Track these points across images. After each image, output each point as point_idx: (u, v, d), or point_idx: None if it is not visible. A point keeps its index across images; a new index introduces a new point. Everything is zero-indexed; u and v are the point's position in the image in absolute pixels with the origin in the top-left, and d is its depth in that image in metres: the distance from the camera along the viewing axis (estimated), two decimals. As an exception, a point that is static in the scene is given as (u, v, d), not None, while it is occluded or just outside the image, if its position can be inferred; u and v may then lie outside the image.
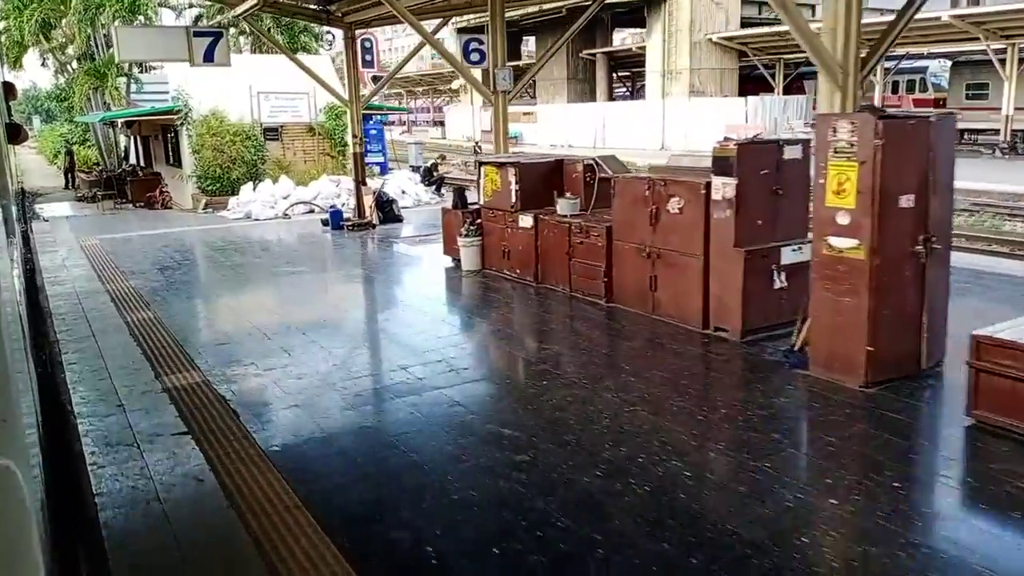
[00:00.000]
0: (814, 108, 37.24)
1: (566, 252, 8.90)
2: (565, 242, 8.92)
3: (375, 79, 23.54)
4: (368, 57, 24.15)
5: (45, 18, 25.50)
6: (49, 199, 26.47)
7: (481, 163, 10.36)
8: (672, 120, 36.39)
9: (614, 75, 45.48)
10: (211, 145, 17.81)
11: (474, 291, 9.65)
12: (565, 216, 9.07)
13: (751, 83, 38.06)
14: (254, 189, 17.63)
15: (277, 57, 21.00)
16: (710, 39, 35.53)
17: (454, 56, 13.43)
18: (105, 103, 25.46)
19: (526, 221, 9.50)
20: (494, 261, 10.22)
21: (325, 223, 14.94)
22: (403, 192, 18.01)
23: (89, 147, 33.42)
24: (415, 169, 21.57)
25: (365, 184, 15.19)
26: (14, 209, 5.68)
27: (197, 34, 13.13)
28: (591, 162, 9.57)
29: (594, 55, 42.78)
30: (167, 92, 25.85)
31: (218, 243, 13.66)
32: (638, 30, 47.41)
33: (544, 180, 9.78)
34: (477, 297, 9.41)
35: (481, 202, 10.36)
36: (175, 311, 8.82)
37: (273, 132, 19.46)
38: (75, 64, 31.11)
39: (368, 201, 14.97)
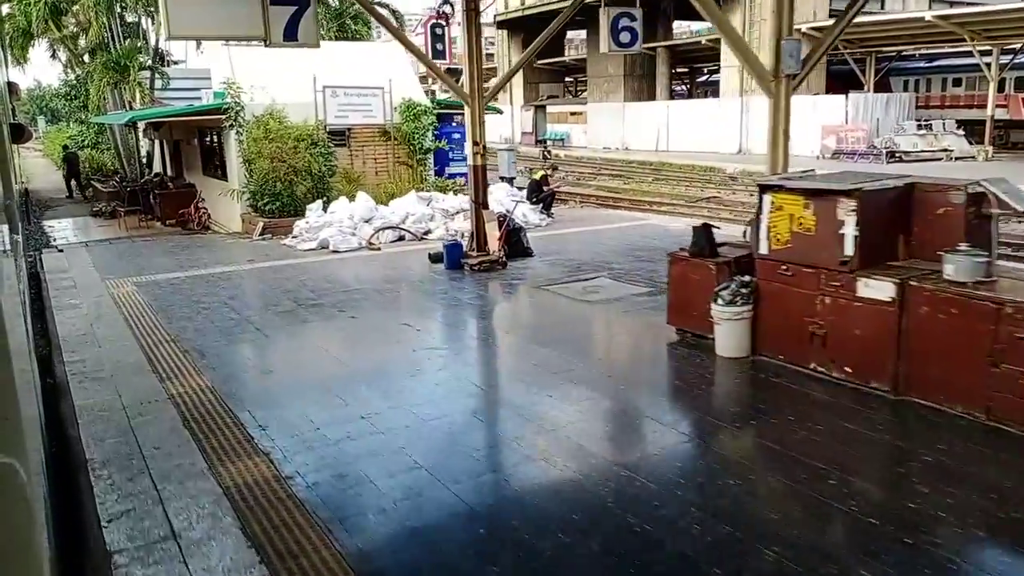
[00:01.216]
0: (919, 106, 33.51)
1: (985, 352, 5.09)
2: (981, 332, 5.10)
3: (451, 72, 19.73)
4: (439, 46, 20.41)
5: (55, 2, 21.72)
6: (58, 212, 22.73)
7: (766, 188, 6.53)
8: (755, 121, 32.54)
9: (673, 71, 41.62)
10: (269, 153, 14.00)
11: (769, 403, 5.82)
12: (966, 285, 5.27)
13: (834, 80, 34.20)
14: (325, 210, 13.85)
15: (346, 44, 17.19)
16: (799, 29, 31.59)
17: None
18: (126, 101, 21.69)
19: (877, 289, 5.68)
20: (783, 346, 6.40)
21: (435, 259, 11.14)
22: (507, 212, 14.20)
23: (103, 151, 29.66)
24: (504, 180, 17.75)
25: (486, 206, 11.38)
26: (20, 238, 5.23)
27: (275, 1, 9.31)
28: (977, 189, 5.75)
29: (654, 49, 38.92)
30: (198, 89, 22.21)
31: (304, 292, 9.84)
32: (694, 23, 43.60)
33: (887, 218, 5.98)
34: (780, 422, 5.51)
35: (762, 251, 6.54)
36: (310, 463, 4.97)
37: (339, 136, 15.66)
38: (88, 57, 27.40)
39: (492, 229, 11.16)
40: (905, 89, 35.46)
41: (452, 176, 16.99)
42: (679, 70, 42.72)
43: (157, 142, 21.87)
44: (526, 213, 14.50)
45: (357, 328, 8.25)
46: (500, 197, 14.92)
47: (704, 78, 44.41)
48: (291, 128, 14.38)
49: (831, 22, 31.60)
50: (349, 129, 15.87)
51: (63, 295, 9.86)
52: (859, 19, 31.92)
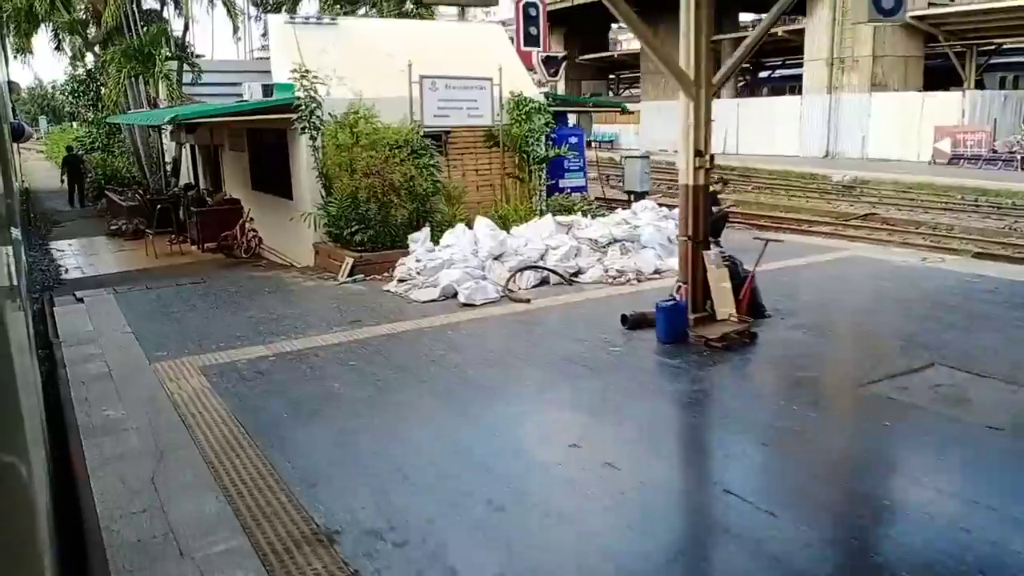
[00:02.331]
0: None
1: None
2: None
3: (547, 62, 16.19)
4: (533, 30, 16.84)
5: (63, -22, 18.15)
6: (67, 229, 19.11)
7: None
8: (846, 120, 28.98)
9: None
10: (361, 165, 10.41)
11: None
12: None
13: (930, 75, 30.62)
14: (435, 241, 10.28)
15: (439, 23, 13.57)
16: (898, 18, 27.98)
17: None
18: (150, 98, 18.09)
19: None
20: None
21: (634, 323, 7.57)
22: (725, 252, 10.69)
23: (116, 155, 26.07)
24: (635, 196, 14.11)
25: (707, 246, 7.78)
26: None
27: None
28: None
29: (719, 42, 35.29)
30: (235, 84, 18.71)
31: (479, 397, 6.26)
32: (758, 15, 39.99)
33: None
34: None
35: None
36: None
37: (434, 142, 12.07)
38: (100, 48, 23.81)
39: (721, 281, 7.57)
40: (1001, 86, 31.91)
41: (565, 191, 13.39)
42: (744, 65, 39.07)
43: (186, 147, 18.27)
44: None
45: (638, 501, 4.64)
46: (649, 220, 11.34)
47: (766, 74, 40.79)
48: (387, 132, 10.78)
49: (941, 10, 28.18)
50: (447, 133, 12.28)
51: (93, 397, 6.25)
52: (961, 7, 28.45)
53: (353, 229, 10.53)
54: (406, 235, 10.63)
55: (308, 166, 11.33)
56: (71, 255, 15.29)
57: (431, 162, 11.10)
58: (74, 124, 57.58)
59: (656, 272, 10.03)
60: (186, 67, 18.27)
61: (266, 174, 13.41)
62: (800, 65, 39.06)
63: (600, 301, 8.95)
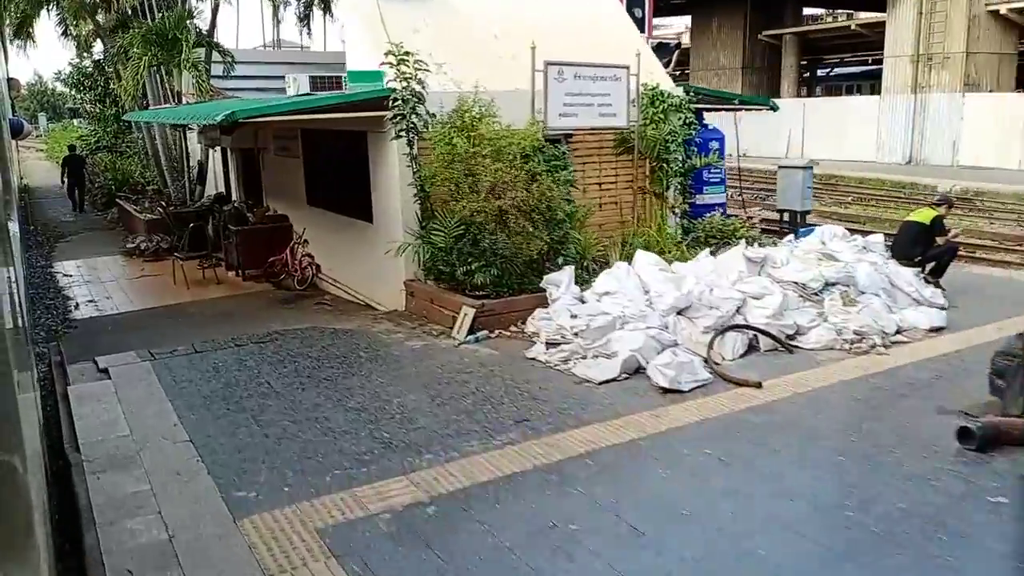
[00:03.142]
0: None
1: None
2: None
3: (660, 49, 13.46)
4: (639, 12, 14.06)
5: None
6: (73, 245, 16.35)
7: None
8: (933, 123, 26.23)
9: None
10: (488, 180, 7.63)
11: None
12: None
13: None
14: (582, 284, 7.54)
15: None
16: (994, 11, 25.33)
17: None
18: (172, 91, 15.31)
19: None
20: None
21: (986, 441, 4.83)
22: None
23: (127, 157, 23.30)
24: (789, 217, 11.28)
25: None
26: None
27: None
28: None
29: (779, 37, 32.62)
30: (276, 78, 16.05)
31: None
32: (819, 10, 37.25)
33: None
34: None
35: None
36: None
37: (554, 147, 9.29)
38: (99, 45, 21.05)
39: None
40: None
41: (714, 210, 10.63)
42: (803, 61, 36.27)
43: (216, 151, 15.49)
44: (900, 282, 8.13)
45: None
46: (849, 253, 8.59)
47: (825, 71, 38.05)
48: (517, 136, 8.01)
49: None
50: (567, 137, 9.53)
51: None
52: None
53: (471, 267, 7.75)
54: (533, 275, 7.88)
55: (400, 180, 8.56)
56: (81, 282, 12.52)
57: (569, 176, 8.34)
58: (75, 121, 54.81)
59: (899, 332, 7.28)
60: (216, 56, 15.51)
61: (331, 187, 10.63)
62: (863, 63, 36.35)
63: (858, 384, 6.19)
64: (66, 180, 22.60)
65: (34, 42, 19.42)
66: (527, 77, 8.90)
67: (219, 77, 15.90)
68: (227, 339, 7.61)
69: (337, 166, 10.32)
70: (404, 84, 8.08)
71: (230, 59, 15.38)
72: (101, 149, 27.00)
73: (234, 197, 14.63)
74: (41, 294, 11.58)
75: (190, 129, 15.72)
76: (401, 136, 8.20)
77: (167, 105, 14.91)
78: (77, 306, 10.86)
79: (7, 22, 19.67)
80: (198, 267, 12.09)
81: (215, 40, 15.80)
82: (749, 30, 33.10)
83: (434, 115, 8.38)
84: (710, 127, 11.02)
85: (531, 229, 7.62)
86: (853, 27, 29.87)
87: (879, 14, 28.38)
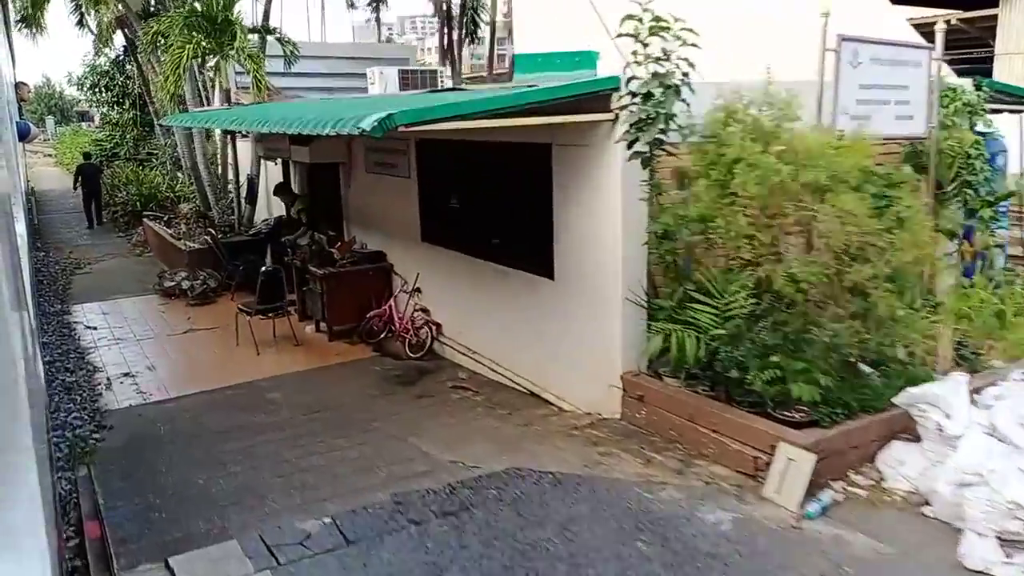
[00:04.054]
0: None
1: None
2: None
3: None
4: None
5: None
6: (93, 275, 13.33)
7: None
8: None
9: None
10: (830, 225, 4.51)
11: None
12: None
13: None
14: (974, 400, 4.45)
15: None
16: None
17: None
18: (221, 87, 12.24)
19: None
20: None
21: None
22: None
23: (149, 167, 20.27)
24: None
25: None
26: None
27: None
28: None
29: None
30: (343, 75, 13.39)
31: None
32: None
33: None
34: None
35: None
36: None
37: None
38: (120, 38, 18.08)
39: None
40: None
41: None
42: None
43: (275, 163, 12.42)
44: None
45: None
46: None
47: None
48: (850, 153, 4.89)
49: None
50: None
51: None
52: None
53: (778, 370, 4.64)
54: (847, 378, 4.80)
55: (623, 219, 5.47)
56: (110, 337, 9.46)
57: (910, 213, 5.22)
58: (83, 125, 51.89)
59: None
60: (270, 48, 12.48)
61: (470, 221, 7.54)
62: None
63: None
64: (80, 190, 19.69)
65: (45, 30, 16.45)
66: (797, 60, 5.80)
67: (277, 75, 12.89)
68: (385, 502, 4.50)
69: (485, 192, 7.25)
70: (656, 69, 4.98)
71: (291, 49, 12.33)
72: (117, 157, 24.04)
73: (327, 234, 11.53)
74: (57, 359, 8.52)
75: (238, 136, 12.67)
76: (641, 153, 5.09)
77: (220, 106, 11.85)
78: (109, 384, 7.78)
79: (15, 11, 16.73)
80: (270, 320, 8.99)
81: (273, 26, 12.72)
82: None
83: (683, 126, 5.27)
84: (995, 136, 7.91)
85: (899, 310, 4.51)
86: (955, 21, 26.69)
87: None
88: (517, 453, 5.19)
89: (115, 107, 24.50)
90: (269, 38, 12.55)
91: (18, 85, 16.16)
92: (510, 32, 19.68)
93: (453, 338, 8.00)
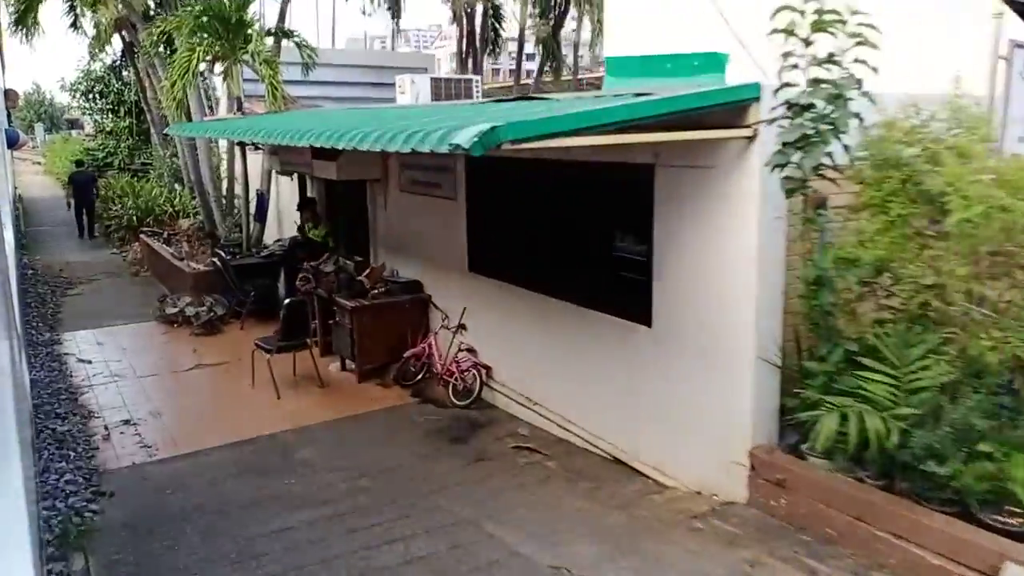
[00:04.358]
0: None
1: None
2: None
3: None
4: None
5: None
6: (85, 296, 12.21)
7: None
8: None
9: None
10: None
11: None
12: None
13: None
14: None
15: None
16: None
17: None
18: (231, 97, 11.17)
19: None
20: None
21: None
22: None
23: (142, 177, 19.10)
24: None
25: None
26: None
27: None
28: None
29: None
30: (362, 84, 12.55)
31: None
32: None
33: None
34: None
35: None
36: None
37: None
38: (117, 43, 17.04)
39: None
40: None
41: None
42: None
43: (282, 179, 11.34)
44: None
45: None
46: None
47: None
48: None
49: None
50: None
51: None
52: None
53: (984, 464, 3.59)
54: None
55: (758, 260, 4.43)
56: (106, 373, 8.31)
57: None
58: (73, 132, 50.56)
59: None
60: (288, 50, 11.44)
61: (534, 249, 6.48)
62: None
63: None
64: (71, 201, 18.59)
65: (39, 30, 15.36)
66: (946, 68, 4.80)
67: (289, 83, 11.83)
68: None
69: (558, 218, 6.20)
70: (819, 74, 3.96)
71: (308, 54, 11.29)
72: (111, 167, 22.88)
73: (353, 258, 10.43)
74: (46, 401, 7.37)
75: (250, 148, 11.58)
76: (795, 179, 4.05)
77: (231, 115, 10.77)
78: (107, 434, 6.65)
79: (7, 14, 15.65)
80: (293, 361, 7.87)
81: (290, 29, 11.67)
82: None
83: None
84: None
85: None
86: None
87: None
88: (635, 556, 4.11)
89: (110, 115, 23.37)
90: (285, 43, 11.51)
91: (7, 93, 15.27)
92: (539, 42, 18.77)
93: (508, 385, 6.93)
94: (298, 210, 9.44)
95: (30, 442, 5.10)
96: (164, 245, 13.25)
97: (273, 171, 11.41)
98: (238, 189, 13.07)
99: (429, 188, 7.87)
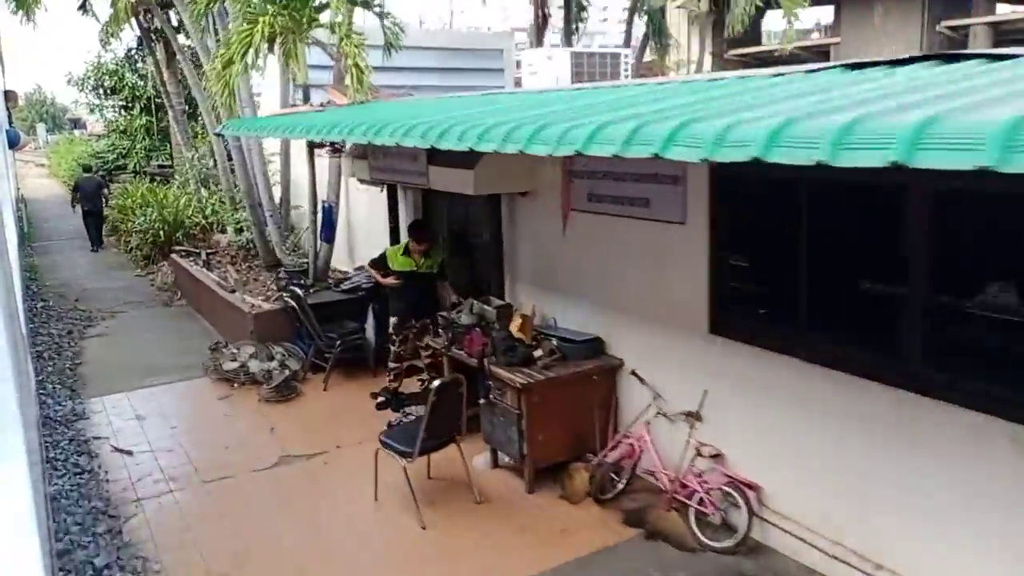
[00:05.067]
0: None
1: None
2: None
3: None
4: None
5: None
6: (110, 334, 9.83)
7: None
8: None
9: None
10: None
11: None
12: None
13: None
14: None
15: None
16: None
17: None
18: (295, 84, 8.67)
19: None
20: None
21: None
22: None
23: (160, 183, 16.61)
24: None
25: None
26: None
27: None
28: None
29: (963, 29, 26.25)
30: (462, 71, 10.14)
31: None
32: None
33: None
34: None
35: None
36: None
37: None
38: (128, 21, 14.64)
39: None
40: None
41: None
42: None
43: (358, 188, 8.81)
44: None
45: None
46: None
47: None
48: None
49: None
50: None
51: None
52: None
53: None
54: None
55: None
56: (157, 480, 5.86)
57: None
58: (76, 132, 48.10)
59: None
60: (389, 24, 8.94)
61: (835, 308, 3.99)
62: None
63: None
64: (78, 208, 16.25)
65: (41, 4, 12.94)
66: None
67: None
68: None
69: (891, 256, 3.70)
70: None
71: (395, 30, 8.79)
72: (123, 170, 20.47)
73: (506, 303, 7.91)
74: (77, 540, 4.91)
75: (320, 152, 9.06)
76: None
77: (304, 108, 8.27)
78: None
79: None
80: (419, 445, 5.40)
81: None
82: (928, 18, 26.75)
83: None
84: None
85: None
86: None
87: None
88: None
89: (123, 112, 20.92)
90: (361, 20, 9.00)
91: (7, 93, 13.32)
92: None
93: (796, 518, 4.45)
94: (412, 237, 6.93)
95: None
96: (204, 269, 10.77)
97: (347, 179, 8.95)
98: (293, 199, 10.61)
99: (627, 206, 5.38)
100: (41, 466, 5.37)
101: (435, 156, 6.46)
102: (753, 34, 25.86)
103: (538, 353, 5.65)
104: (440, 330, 6.21)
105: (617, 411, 5.62)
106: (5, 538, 2.53)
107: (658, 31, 16.94)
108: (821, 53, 29.65)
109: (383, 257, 7.21)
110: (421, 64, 11.51)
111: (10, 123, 14.85)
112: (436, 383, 4.94)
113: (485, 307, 6.38)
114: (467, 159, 5.65)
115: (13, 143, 14.09)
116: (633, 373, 5.35)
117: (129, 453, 6.31)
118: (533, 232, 6.51)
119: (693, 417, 4.92)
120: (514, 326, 6.06)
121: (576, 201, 5.88)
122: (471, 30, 15.99)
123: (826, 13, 32.79)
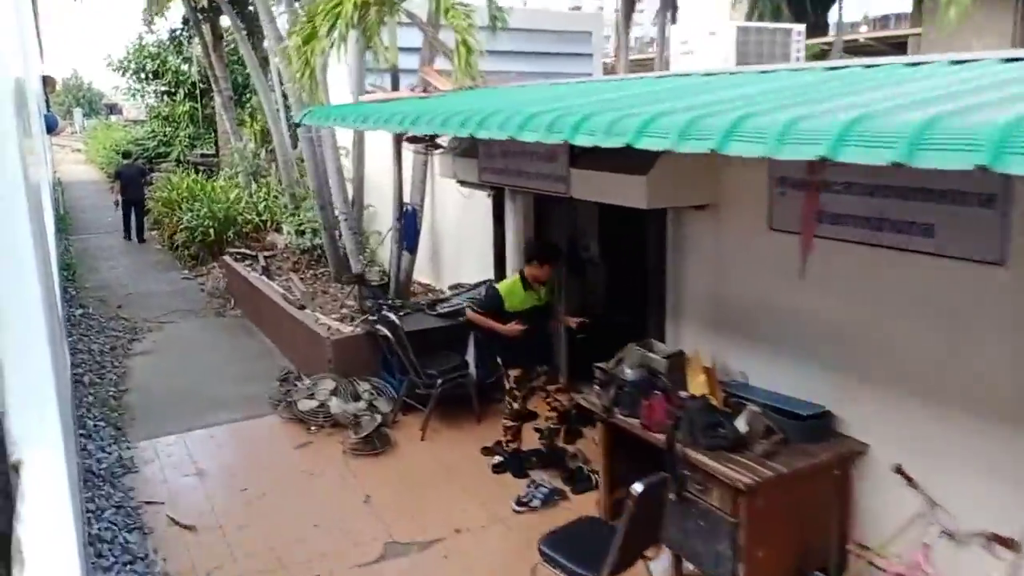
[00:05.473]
0: None
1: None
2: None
3: None
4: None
5: None
6: (161, 355, 8.50)
7: None
8: None
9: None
10: None
11: None
12: None
13: None
14: None
15: None
16: None
17: None
18: (387, 66, 7.24)
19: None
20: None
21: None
22: None
23: (203, 173, 15.34)
24: None
25: None
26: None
27: None
28: None
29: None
30: (560, 56, 8.75)
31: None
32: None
33: None
34: None
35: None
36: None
37: None
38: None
39: None
40: None
41: None
42: None
43: (443, 187, 7.33)
44: None
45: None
46: None
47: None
48: None
49: None
50: None
51: None
52: None
53: None
54: None
55: None
56: (228, 554, 4.48)
57: None
58: (112, 117, 47.34)
59: None
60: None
61: None
62: None
63: None
64: (119, 199, 15.09)
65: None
66: None
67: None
68: None
69: None
70: None
71: (500, 8, 7.32)
72: (164, 158, 19.30)
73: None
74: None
75: (409, 147, 7.62)
76: None
77: (400, 94, 6.83)
78: None
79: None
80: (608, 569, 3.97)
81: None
82: (1022, 12, 24.76)
83: None
84: None
85: None
86: None
87: None
88: None
89: (165, 97, 19.72)
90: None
91: (44, 79, 12.82)
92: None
93: None
94: (534, 260, 5.43)
95: None
96: (264, 277, 9.41)
97: (434, 179, 7.52)
98: (368, 198, 9.22)
99: (891, 233, 3.86)
100: (83, 554, 4.02)
101: (582, 156, 5.01)
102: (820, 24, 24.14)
103: (742, 427, 4.16)
104: (622, 390, 4.70)
105: (848, 507, 4.13)
106: None
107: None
108: (896, 44, 27.62)
109: (493, 299, 5.59)
110: (507, 47, 10.03)
111: (47, 108, 13.92)
112: (638, 488, 3.45)
113: (649, 354, 4.90)
114: (632, 161, 4.16)
115: (51, 128, 13.17)
116: (899, 471, 3.82)
117: (191, 528, 4.95)
118: (713, 256, 5.02)
119: (1006, 545, 3.40)
120: (695, 383, 4.60)
121: (785, 218, 4.37)
122: (544, 11, 14.48)
123: (902, 2, 30.82)
